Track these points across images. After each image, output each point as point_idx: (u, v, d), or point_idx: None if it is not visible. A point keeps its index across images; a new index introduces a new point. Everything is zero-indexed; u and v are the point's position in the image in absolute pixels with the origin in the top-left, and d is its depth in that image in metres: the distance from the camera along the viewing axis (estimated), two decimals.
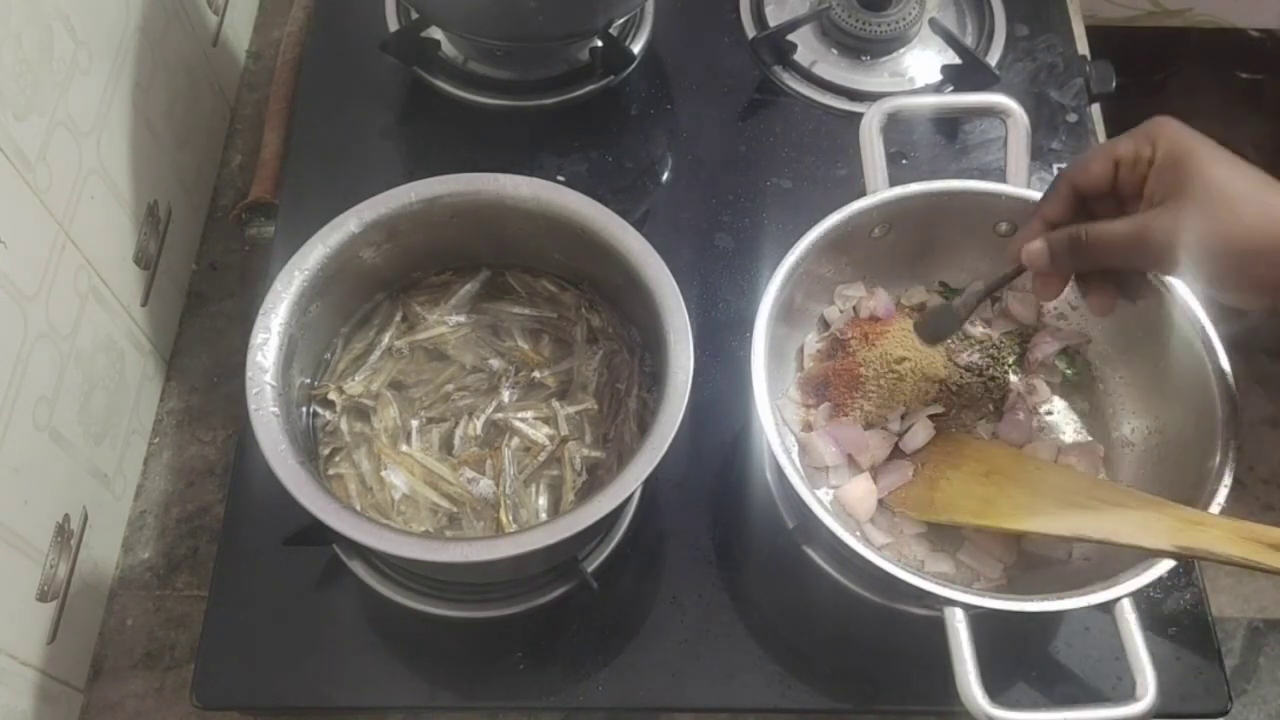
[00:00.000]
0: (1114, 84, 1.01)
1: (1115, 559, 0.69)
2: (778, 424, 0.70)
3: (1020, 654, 0.76)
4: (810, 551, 0.75)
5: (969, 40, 1.03)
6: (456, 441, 0.74)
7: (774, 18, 1.04)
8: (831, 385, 0.78)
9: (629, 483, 0.63)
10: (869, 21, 1.00)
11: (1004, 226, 0.79)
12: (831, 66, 1.02)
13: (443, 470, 0.73)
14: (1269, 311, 0.58)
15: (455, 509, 0.72)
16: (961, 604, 0.63)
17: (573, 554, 0.74)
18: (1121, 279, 0.65)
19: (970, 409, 0.78)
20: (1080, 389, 0.81)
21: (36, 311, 0.74)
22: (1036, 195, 0.77)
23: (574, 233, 0.72)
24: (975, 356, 0.80)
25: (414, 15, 0.96)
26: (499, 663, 0.76)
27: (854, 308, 0.81)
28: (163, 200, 0.94)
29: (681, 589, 0.78)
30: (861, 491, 0.75)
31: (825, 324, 0.81)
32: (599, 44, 0.96)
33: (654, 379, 0.72)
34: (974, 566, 0.74)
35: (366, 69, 0.99)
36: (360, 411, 0.75)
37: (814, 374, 0.79)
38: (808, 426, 0.78)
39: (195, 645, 0.77)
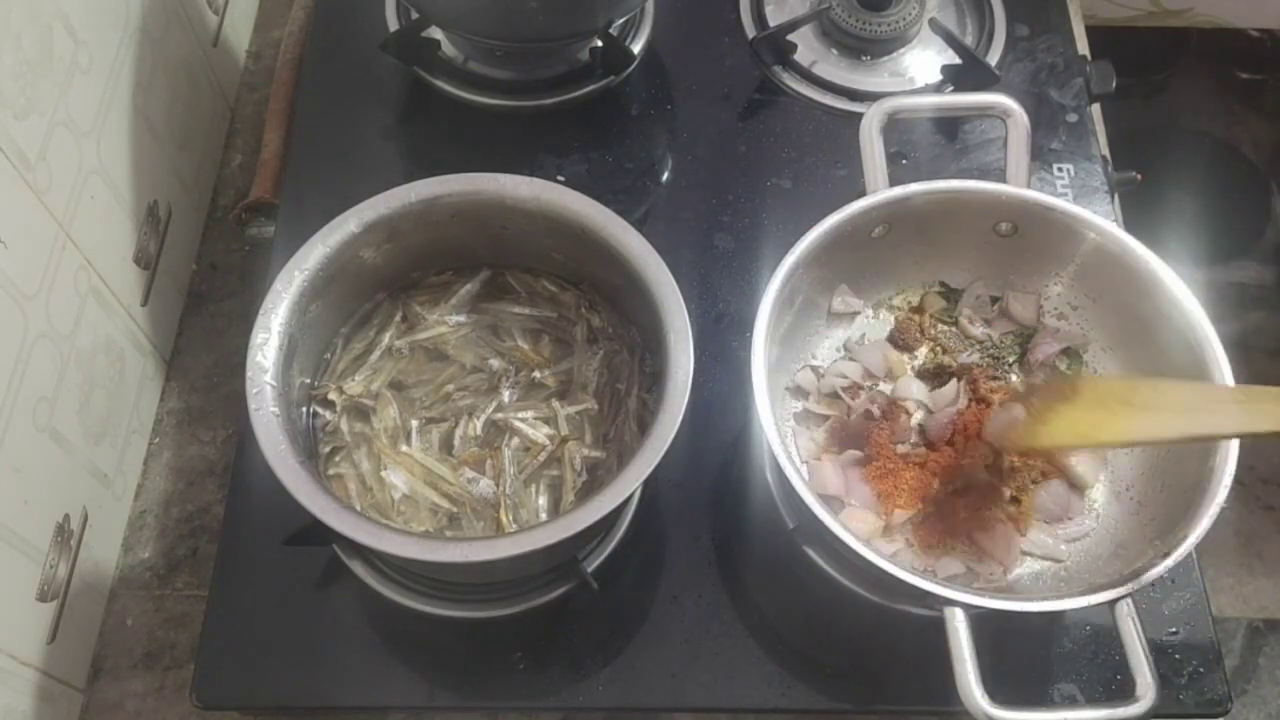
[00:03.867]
0: (1114, 84, 1.01)
1: (1116, 558, 0.69)
2: (778, 424, 0.69)
3: (1020, 654, 0.76)
4: (810, 551, 0.75)
5: (969, 40, 1.02)
6: (456, 441, 0.74)
7: (774, 18, 1.04)
8: (871, 455, 0.76)
9: (629, 483, 0.63)
10: (869, 21, 1.00)
11: (1004, 226, 0.79)
12: (831, 66, 1.02)
13: (443, 470, 0.73)
14: None
15: (455, 509, 0.72)
16: (961, 604, 0.63)
17: (573, 554, 0.74)
18: None
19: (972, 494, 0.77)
20: None
21: (36, 311, 0.74)
22: (1037, 195, 0.77)
23: (574, 233, 0.72)
24: (975, 357, 0.80)
25: (414, 15, 0.96)
26: (499, 663, 0.76)
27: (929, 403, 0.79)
28: (163, 200, 0.94)
29: (681, 589, 0.78)
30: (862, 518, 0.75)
31: (844, 349, 0.81)
32: (599, 44, 0.96)
33: (654, 379, 0.72)
34: (974, 566, 0.74)
35: (366, 69, 0.99)
36: (360, 411, 0.75)
37: (854, 427, 0.78)
38: (818, 455, 0.78)
39: (195, 645, 0.77)
